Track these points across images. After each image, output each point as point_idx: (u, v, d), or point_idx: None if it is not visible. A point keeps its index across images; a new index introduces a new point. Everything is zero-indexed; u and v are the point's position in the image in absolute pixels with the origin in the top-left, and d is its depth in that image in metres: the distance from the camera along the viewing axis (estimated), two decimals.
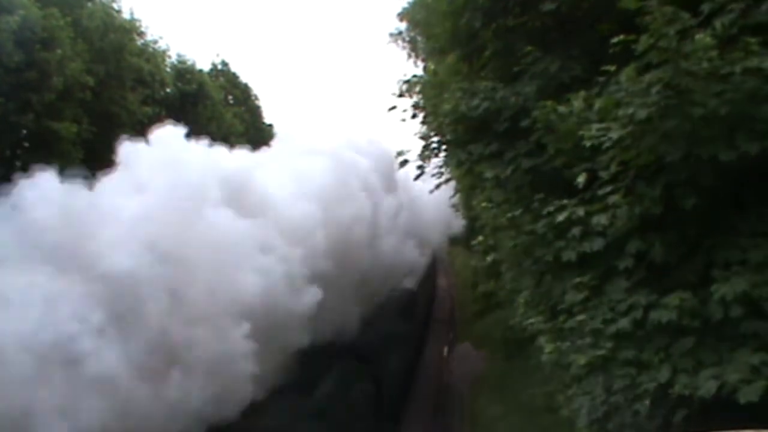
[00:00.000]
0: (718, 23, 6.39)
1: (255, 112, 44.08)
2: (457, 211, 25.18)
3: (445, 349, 26.98)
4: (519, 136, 8.72)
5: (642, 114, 6.17)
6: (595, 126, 6.64)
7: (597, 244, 7.09)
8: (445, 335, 31.38)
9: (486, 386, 20.96)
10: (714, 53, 5.99)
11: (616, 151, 6.54)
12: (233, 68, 42.80)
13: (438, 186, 11.06)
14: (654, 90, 6.14)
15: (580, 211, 7.08)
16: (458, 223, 30.04)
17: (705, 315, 6.16)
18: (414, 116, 10.07)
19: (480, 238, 8.89)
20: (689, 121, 6.11)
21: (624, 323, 6.49)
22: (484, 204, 8.82)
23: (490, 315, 27.02)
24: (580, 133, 6.83)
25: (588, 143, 6.65)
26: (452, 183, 12.02)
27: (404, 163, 9.83)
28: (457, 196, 15.61)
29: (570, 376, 6.93)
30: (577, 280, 7.13)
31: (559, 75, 8.79)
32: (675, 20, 6.07)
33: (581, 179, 7.03)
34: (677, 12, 6.09)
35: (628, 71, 6.41)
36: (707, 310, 6.13)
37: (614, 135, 6.40)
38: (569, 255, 7.24)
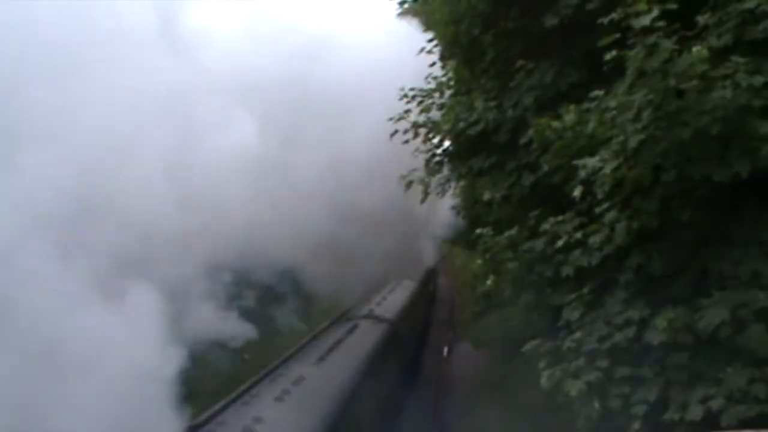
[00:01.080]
0: (713, 39, 6.49)
1: None
2: (458, 213, 25.20)
3: (445, 349, 27.05)
4: (519, 147, 8.79)
5: (634, 142, 6.28)
6: (589, 162, 6.74)
7: (595, 258, 7.20)
8: (446, 335, 31.46)
9: (486, 386, 21.00)
10: (705, 67, 6.07)
11: (610, 175, 6.65)
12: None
13: (442, 194, 11.12)
14: (645, 114, 6.25)
15: (578, 234, 7.19)
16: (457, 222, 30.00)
17: (696, 331, 6.27)
18: (416, 135, 10.07)
19: (479, 261, 8.94)
20: (680, 141, 6.22)
21: (619, 338, 6.62)
22: (479, 231, 8.86)
23: (490, 315, 27.06)
24: (574, 162, 6.92)
25: (583, 173, 6.75)
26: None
27: (409, 184, 9.73)
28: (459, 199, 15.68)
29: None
30: (573, 295, 7.25)
31: (556, 83, 8.87)
32: (657, 50, 6.15)
33: (577, 192, 7.14)
34: (658, 42, 6.16)
35: (619, 94, 6.52)
36: (698, 327, 6.23)
37: (608, 169, 6.51)
38: (567, 271, 7.35)
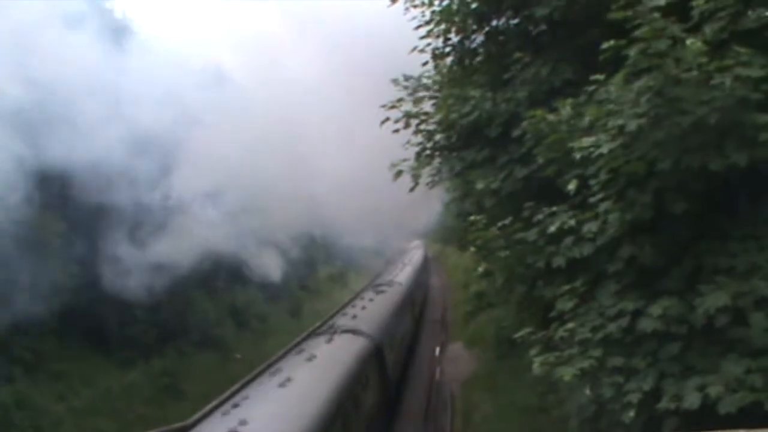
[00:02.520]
0: (708, 29, 6.48)
1: None
2: (449, 208, 25.26)
3: (437, 349, 27.01)
4: (511, 140, 8.75)
5: (632, 126, 6.24)
6: (585, 140, 6.70)
7: (587, 249, 7.15)
8: (437, 335, 31.43)
9: (478, 386, 21.00)
10: (703, 59, 6.06)
11: (606, 160, 6.61)
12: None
13: (431, 185, 11.00)
14: (643, 99, 6.22)
15: (572, 222, 7.15)
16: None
17: (691, 321, 6.24)
18: (407, 126, 9.92)
19: (472, 249, 8.83)
20: (679, 129, 6.19)
21: (612, 328, 6.58)
22: (472, 218, 8.81)
23: (482, 314, 27.11)
24: (570, 145, 6.88)
25: (578, 155, 6.71)
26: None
27: (399, 173, 9.53)
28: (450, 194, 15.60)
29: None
30: (567, 287, 7.20)
31: (550, 79, 8.84)
32: (665, 31, 6.13)
33: (572, 186, 7.08)
34: (667, 24, 6.15)
35: (618, 80, 6.48)
36: (694, 317, 6.20)
37: (604, 149, 6.46)
38: (559, 261, 7.31)
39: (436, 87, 11.50)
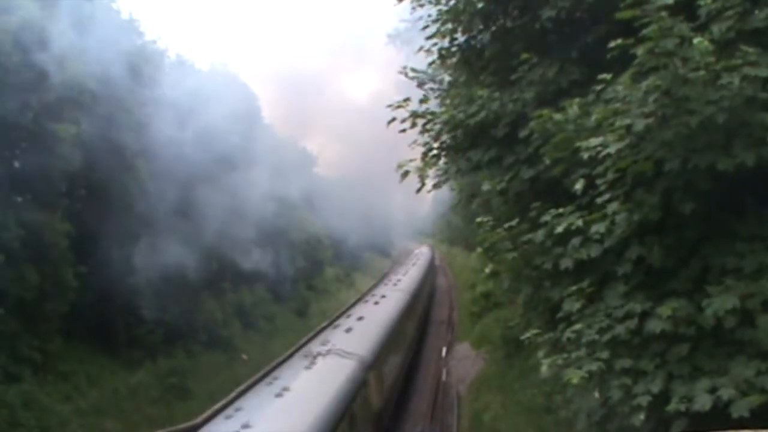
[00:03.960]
0: (715, 28, 6.45)
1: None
2: (455, 209, 25.28)
3: (444, 350, 27.03)
4: (518, 141, 8.71)
5: (639, 125, 6.21)
6: (593, 140, 6.66)
7: (594, 250, 7.11)
8: (444, 335, 31.47)
9: (485, 386, 20.99)
10: (711, 59, 6.02)
11: (613, 160, 6.58)
12: (232, 69, 43.08)
13: (437, 186, 10.96)
14: (651, 99, 6.19)
15: (579, 222, 7.10)
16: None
17: (700, 322, 6.20)
18: (414, 125, 9.87)
19: (479, 250, 8.79)
20: (686, 129, 6.16)
21: (620, 330, 6.53)
22: (479, 219, 8.77)
23: (489, 315, 27.11)
24: (577, 144, 6.85)
25: (585, 155, 6.68)
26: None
27: (405, 174, 9.47)
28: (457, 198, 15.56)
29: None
30: (574, 287, 7.15)
31: (557, 79, 8.80)
32: (673, 30, 6.10)
33: (579, 186, 7.04)
34: (675, 22, 6.13)
35: (625, 79, 6.45)
36: (702, 318, 6.16)
37: (612, 149, 6.43)
38: (567, 262, 7.28)
39: (443, 85, 11.47)
